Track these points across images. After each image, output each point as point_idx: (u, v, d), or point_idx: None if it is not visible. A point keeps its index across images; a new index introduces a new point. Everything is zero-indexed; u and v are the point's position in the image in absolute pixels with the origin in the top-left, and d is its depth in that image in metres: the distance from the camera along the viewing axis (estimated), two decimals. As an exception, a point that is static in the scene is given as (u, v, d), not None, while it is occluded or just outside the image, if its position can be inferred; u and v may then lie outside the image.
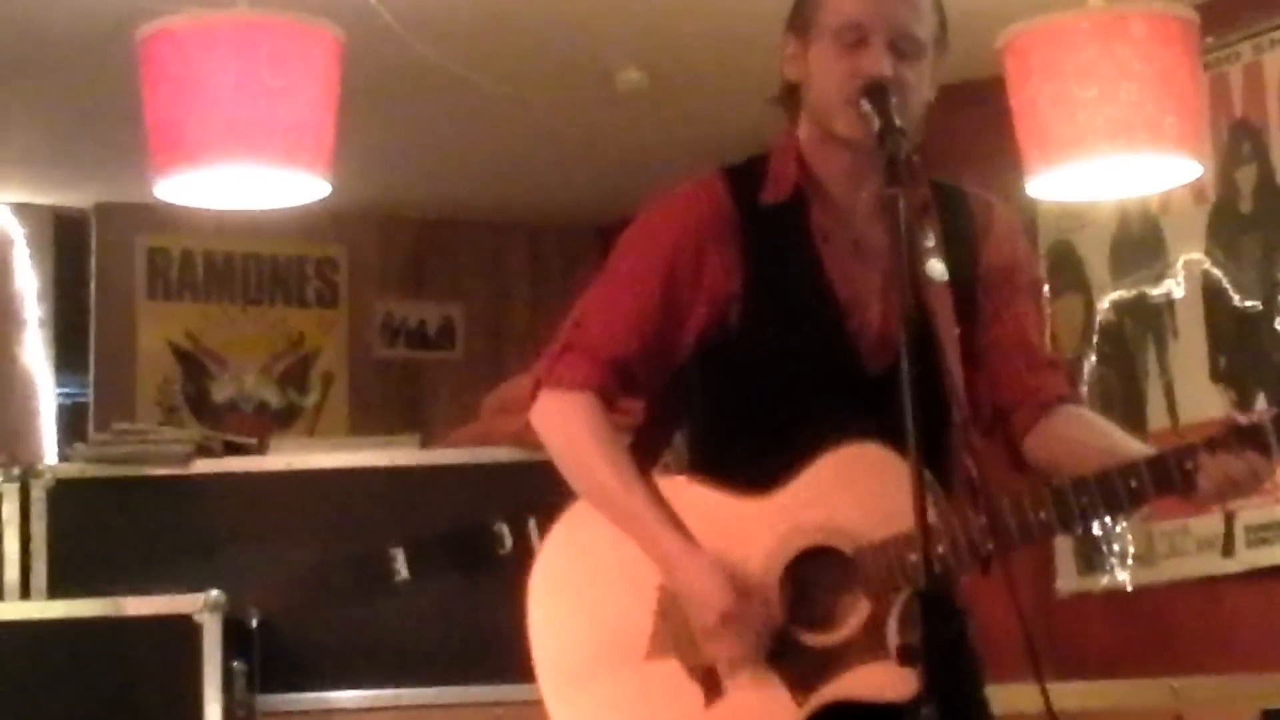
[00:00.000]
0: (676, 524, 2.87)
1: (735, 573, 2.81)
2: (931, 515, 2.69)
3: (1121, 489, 2.73)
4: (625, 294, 2.96)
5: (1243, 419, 2.74)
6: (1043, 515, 2.74)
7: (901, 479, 2.72)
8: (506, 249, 7.70)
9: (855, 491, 2.81)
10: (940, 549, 2.71)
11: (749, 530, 2.85)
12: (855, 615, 2.80)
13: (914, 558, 2.72)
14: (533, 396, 3.00)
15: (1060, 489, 2.76)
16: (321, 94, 4.19)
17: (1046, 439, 2.93)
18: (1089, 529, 5.40)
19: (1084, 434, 2.91)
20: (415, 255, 7.60)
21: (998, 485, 2.77)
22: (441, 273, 7.63)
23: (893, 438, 2.72)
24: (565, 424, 2.96)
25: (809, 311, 2.90)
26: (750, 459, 2.88)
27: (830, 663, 2.80)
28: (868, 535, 2.79)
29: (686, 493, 2.91)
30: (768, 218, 2.92)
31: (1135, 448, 2.86)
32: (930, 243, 2.66)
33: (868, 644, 2.78)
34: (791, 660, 2.81)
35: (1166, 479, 2.73)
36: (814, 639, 2.81)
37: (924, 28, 2.87)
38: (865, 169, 2.88)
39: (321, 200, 4.38)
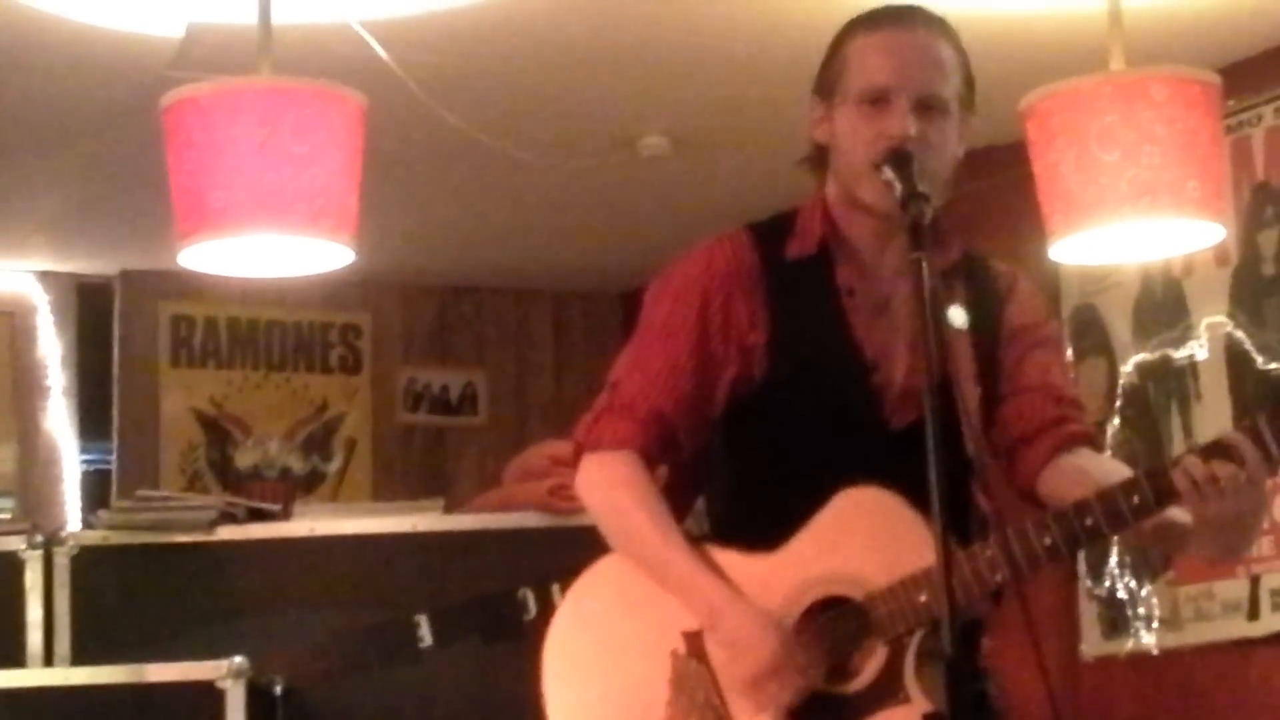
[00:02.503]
0: (718, 574, 2.87)
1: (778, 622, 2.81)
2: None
3: (1124, 505, 2.73)
4: (658, 351, 2.96)
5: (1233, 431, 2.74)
6: (1047, 540, 2.74)
7: (903, 521, 2.75)
8: (530, 315, 7.71)
9: (861, 538, 2.82)
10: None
11: (761, 587, 2.85)
12: (871, 662, 2.80)
13: (924, 598, 2.74)
14: (575, 463, 3.00)
15: (1062, 512, 2.77)
16: (345, 160, 4.20)
17: (1064, 474, 2.92)
18: (1094, 546, 5.36)
19: (1102, 473, 2.89)
20: (438, 321, 7.61)
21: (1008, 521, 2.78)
22: (465, 339, 7.64)
23: (914, 493, 2.73)
24: (606, 483, 2.96)
25: (833, 366, 2.91)
26: (772, 516, 2.88)
27: (849, 712, 2.80)
28: (877, 581, 2.79)
29: (706, 555, 2.91)
30: (793, 271, 2.94)
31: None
32: (953, 297, 2.66)
33: (885, 690, 2.78)
34: (810, 712, 2.81)
35: (1167, 488, 2.72)
36: (832, 689, 2.81)
37: (949, 86, 2.89)
38: (891, 230, 2.89)
39: (345, 267, 4.39)
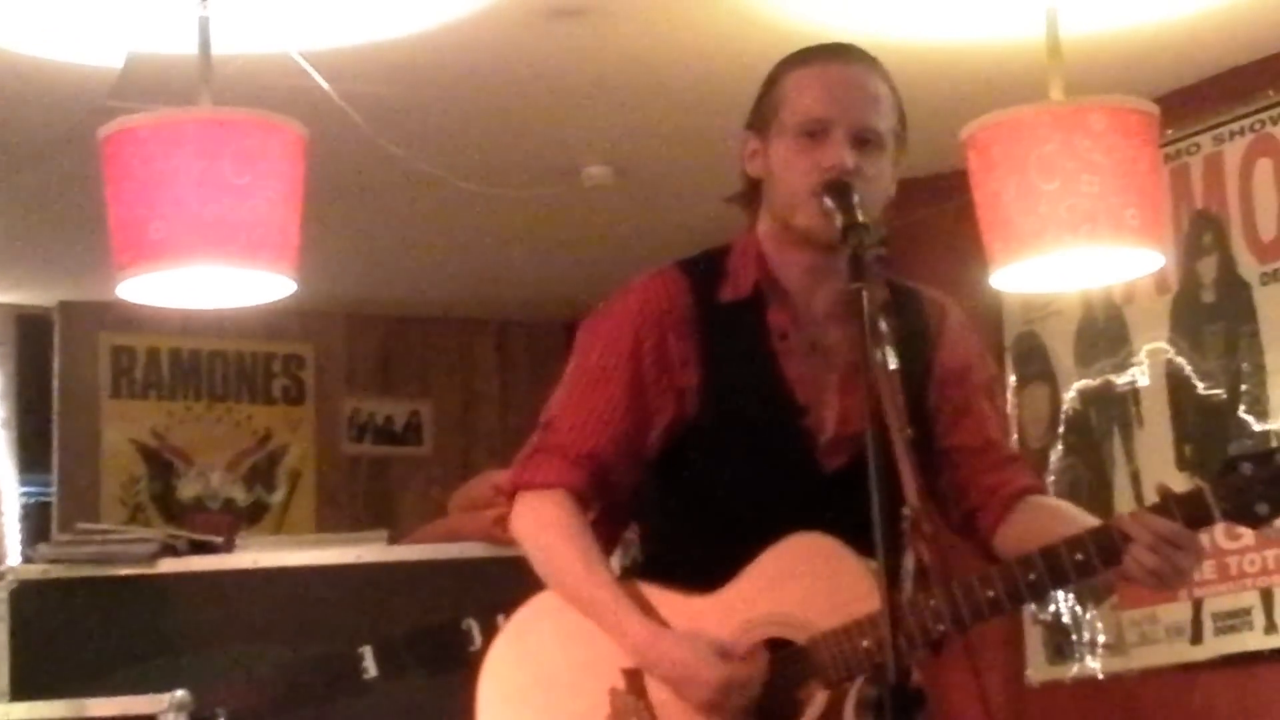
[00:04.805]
0: (648, 612, 2.86)
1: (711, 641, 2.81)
2: (879, 602, 2.71)
3: (1067, 562, 2.75)
4: (592, 390, 2.96)
5: (1179, 491, 2.77)
6: (990, 593, 2.76)
7: (848, 567, 2.75)
8: (474, 345, 7.69)
9: (803, 582, 2.82)
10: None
11: (699, 627, 2.84)
12: (812, 706, 2.79)
13: (866, 644, 2.74)
14: (509, 504, 2.99)
15: (1007, 566, 2.79)
16: (286, 191, 4.19)
17: (1014, 531, 2.95)
18: (1041, 603, 5.41)
19: (1047, 521, 2.92)
20: (382, 351, 7.59)
21: (949, 570, 2.78)
22: (409, 369, 7.62)
23: (846, 535, 2.75)
24: (538, 523, 2.96)
25: (764, 409, 2.91)
26: (705, 557, 2.88)
27: None
28: (819, 625, 2.80)
29: (636, 593, 2.90)
30: (725, 315, 2.94)
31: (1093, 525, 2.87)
32: (885, 337, 2.67)
33: None
34: None
35: (1111, 548, 2.75)
36: None
37: (884, 121, 2.90)
38: (824, 268, 2.90)
39: (288, 297, 4.38)
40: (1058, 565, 2.74)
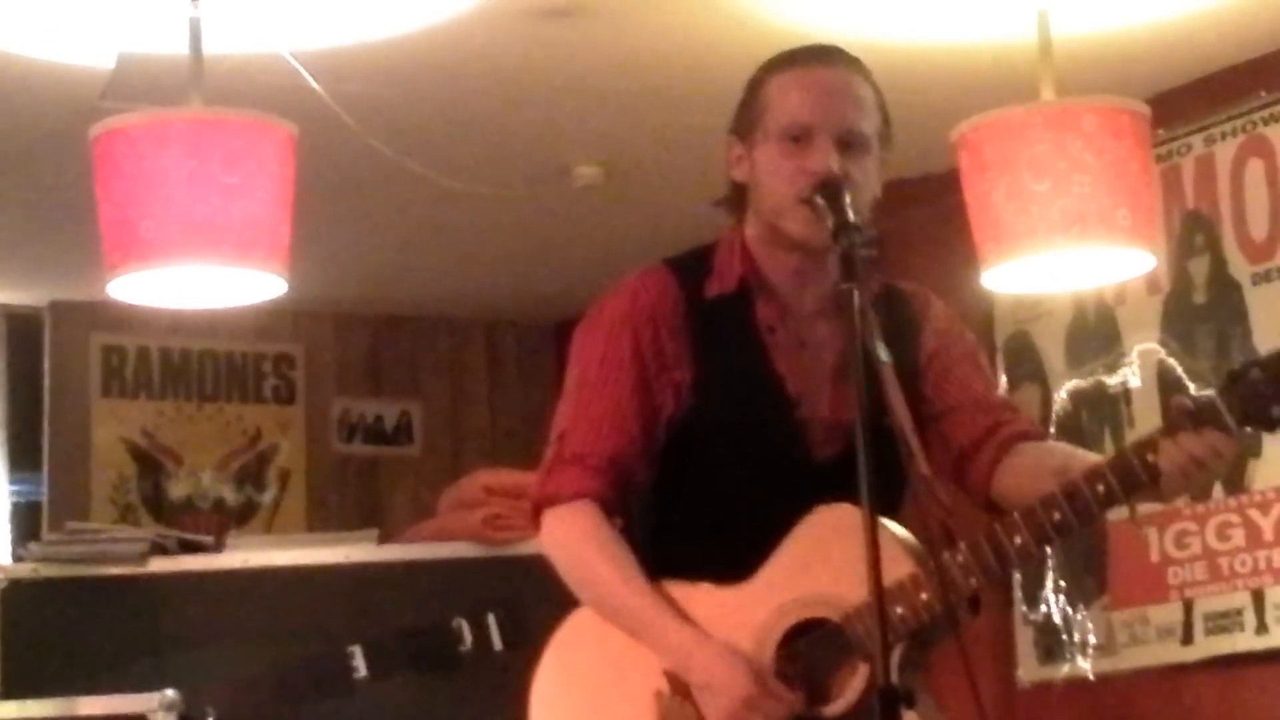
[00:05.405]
0: (685, 617, 2.86)
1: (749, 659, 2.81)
2: (910, 566, 2.75)
3: (1090, 496, 2.74)
4: (599, 394, 2.96)
5: (1190, 400, 2.74)
6: (1018, 539, 2.76)
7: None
8: (464, 345, 7.69)
9: (832, 558, 2.82)
10: (924, 596, 2.73)
11: (734, 617, 2.85)
12: (855, 681, 2.80)
13: (900, 611, 2.74)
14: (536, 524, 2.98)
15: (1030, 509, 2.78)
16: (276, 191, 4.19)
17: (1013, 473, 2.95)
18: (1065, 540, 5.39)
19: (1049, 460, 2.91)
20: (373, 351, 7.59)
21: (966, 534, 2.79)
22: (399, 369, 7.61)
23: None
24: (566, 535, 2.95)
25: (757, 401, 2.92)
26: (701, 550, 2.89)
27: None
28: (852, 599, 2.79)
29: (670, 594, 2.90)
30: (714, 310, 2.95)
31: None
32: (877, 332, 2.68)
33: (872, 708, 2.77)
34: None
35: (1132, 476, 2.73)
36: (818, 712, 2.81)
37: (869, 124, 2.91)
38: (811, 269, 2.92)
39: (278, 297, 4.38)
40: (1081, 502, 2.73)
